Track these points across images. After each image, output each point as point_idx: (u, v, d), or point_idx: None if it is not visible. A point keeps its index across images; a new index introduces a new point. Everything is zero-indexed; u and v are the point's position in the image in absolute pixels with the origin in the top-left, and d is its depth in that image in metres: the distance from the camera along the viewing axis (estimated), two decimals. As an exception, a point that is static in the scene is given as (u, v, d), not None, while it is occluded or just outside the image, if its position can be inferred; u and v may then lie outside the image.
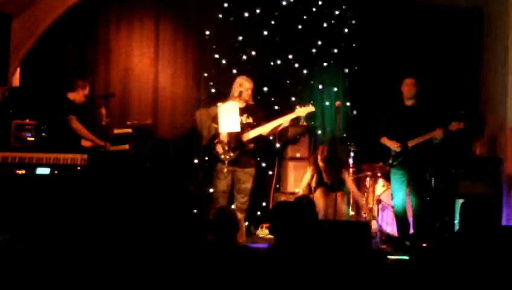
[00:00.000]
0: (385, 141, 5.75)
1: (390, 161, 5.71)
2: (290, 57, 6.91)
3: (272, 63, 6.86)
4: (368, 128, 6.82)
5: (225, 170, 5.66)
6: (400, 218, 5.74)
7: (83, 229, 4.80)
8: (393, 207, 5.83)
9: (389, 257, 5.02)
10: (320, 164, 5.96)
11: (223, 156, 5.69)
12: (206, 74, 6.73)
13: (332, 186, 5.83)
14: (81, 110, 5.86)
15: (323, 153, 5.96)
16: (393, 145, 5.66)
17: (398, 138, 5.67)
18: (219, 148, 5.74)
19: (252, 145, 5.79)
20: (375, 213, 6.09)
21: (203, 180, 6.47)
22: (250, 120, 5.79)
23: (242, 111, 5.73)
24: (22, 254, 4.02)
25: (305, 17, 6.93)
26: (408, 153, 5.61)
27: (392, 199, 5.80)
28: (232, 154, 5.69)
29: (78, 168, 5.28)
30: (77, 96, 5.76)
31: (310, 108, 5.89)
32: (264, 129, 5.78)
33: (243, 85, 5.78)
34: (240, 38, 6.77)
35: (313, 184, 6.02)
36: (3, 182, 5.07)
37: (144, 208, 5.42)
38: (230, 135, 5.70)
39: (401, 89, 5.78)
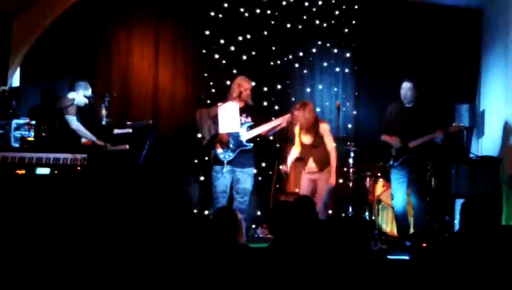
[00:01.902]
0: (386, 138, 5.73)
1: (391, 162, 5.69)
2: (290, 57, 6.92)
3: (272, 63, 6.87)
4: (368, 128, 6.83)
5: (224, 170, 5.67)
6: (400, 218, 5.75)
7: (82, 229, 4.80)
8: (393, 207, 5.83)
9: (389, 257, 5.02)
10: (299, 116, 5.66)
11: (222, 156, 5.70)
12: (206, 74, 6.74)
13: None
14: (81, 110, 5.86)
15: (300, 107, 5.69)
16: (392, 141, 5.65)
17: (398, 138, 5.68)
18: (218, 148, 5.74)
19: (251, 145, 5.79)
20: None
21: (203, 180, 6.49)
22: (249, 120, 5.79)
23: (241, 111, 5.73)
24: (21, 254, 4.01)
25: (305, 17, 6.94)
26: (409, 154, 5.60)
27: (392, 199, 5.79)
28: (231, 154, 5.70)
29: (78, 168, 5.28)
30: (78, 96, 5.75)
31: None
32: (263, 128, 5.78)
33: (242, 85, 5.78)
34: (240, 38, 6.77)
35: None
36: (3, 182, 5.06)
37: (143, 208, 5.42)
38: (229, 134, 5.70)
39: (400, 92, 5.76)
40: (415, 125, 5.62)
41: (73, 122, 5.61)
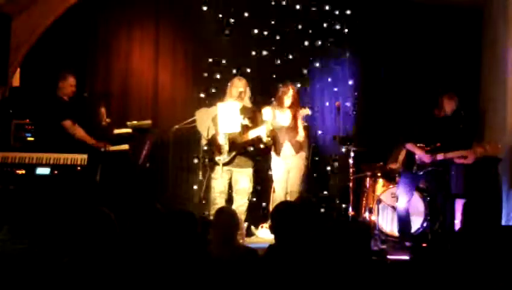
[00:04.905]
0: (414, 148, 5.46)
1: (414, 170, 5.47)
2: (290, 57, 6.91)
3: (272, 63, 6.86)
4: (368, 128, 6.83)
5: (221, 170, 5.66)
6: (403, 221, 5.61)
7: (82, 229, 4.79)
8: (395, 208, 5.74)
9: (389, 257, 5.01)
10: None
11: (217, 158, 5.69)
12: (206, 74, 6.73)
13: None
14: (75, 109, 5.71)
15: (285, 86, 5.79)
16: (424, 157, 5.37)
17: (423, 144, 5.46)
18: (215, 149, 5.74)
19: (249, 148, 5.78)
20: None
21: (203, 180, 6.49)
22: (247, 121, 5.77)
23: (239, 112, 5.71)
24: (21, 254, 4.01)
25: (305, 17, 6.93)
26: (435, 165, 5.38)
27: (397, 201, 5.63)
28: (227, 156, 5.67)
29: (78, 168, 5.28)
30: (62, 90, 5.63)
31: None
32: (261, 131, 5.74)
33: (235, 84, 5.76)
34: (240, 38, 6.77)
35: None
36: (3, 182, 5.06)
37: (143, 208, 5.41)
38: (227, 135, 5.68)
39: (442, 101, 5.50)
40: (448, 136, 5.38)
41: (69, 127, 5.52)
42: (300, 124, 5.72)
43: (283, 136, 5.73)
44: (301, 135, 5.72)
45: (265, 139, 5.65)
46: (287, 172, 5.78)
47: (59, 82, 5.63)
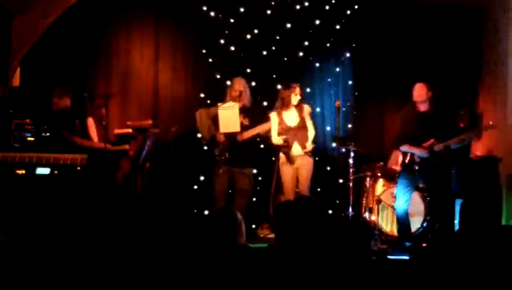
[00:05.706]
0: (410, 148, 5.43)
1: (415, 169, 5.42)
2: (290, 57, 6.90)
3: (272, 63, 6.85)
4: (368, 128, 6.83)
5: (220, 170, 5.66)
6: (402, 221, 5.60)
7: (82, 229, 4.80)
8: (394, 209, 5.75)
9: (389, 257, 5.01)
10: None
11: (218, 157, 5.69)
12: (206, 74, 6.73)
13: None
14: (73, 116, 5.64)
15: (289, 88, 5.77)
16: (422, 152, 5.35)
17: (416, 143, 5.43)
18: (215, 149, 5.74)
19: (247, 146, 5.78)
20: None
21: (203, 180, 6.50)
22: (246, 121, 5.77)
23: (239, 111, 5.71)
24: (22, 254, 4.01)
25: (305, 17, 6.93)
26: (434, 158, 5.34)
27: (395, 201, 5.65)
28: (227, 155, 5.68)
29: (78, 168, 5.28)
30: (61, 100, 5.59)
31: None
32: (261, 129, 5.75)
33: (235, 84, 5.77)
34: (240, 38, 6.76)
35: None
36: (3, 182, 5.06)
37: (143, 208, 5.42)
38: (226, 135, 5.69)
39: (413, 94, 5.50)
40: (432, 130, 5.36)
41: (67, 136, 5.48)
42: (309, 122, 5.71)
43: (292, 137, 5.66)
44: (312, 133, 5.71)
45: (277, 140, 5.64)
46: (296, 171, 5.72)
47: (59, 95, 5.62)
